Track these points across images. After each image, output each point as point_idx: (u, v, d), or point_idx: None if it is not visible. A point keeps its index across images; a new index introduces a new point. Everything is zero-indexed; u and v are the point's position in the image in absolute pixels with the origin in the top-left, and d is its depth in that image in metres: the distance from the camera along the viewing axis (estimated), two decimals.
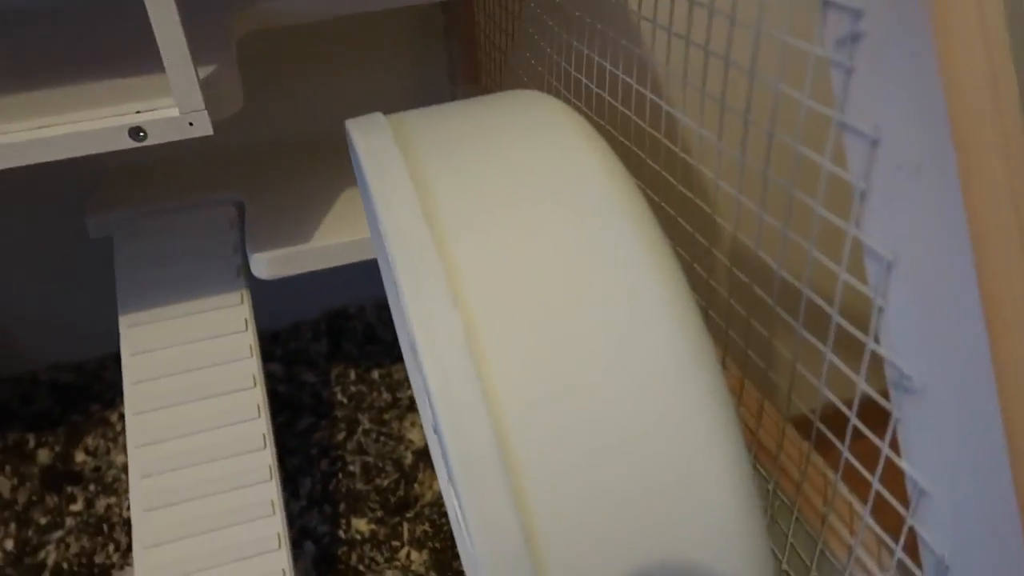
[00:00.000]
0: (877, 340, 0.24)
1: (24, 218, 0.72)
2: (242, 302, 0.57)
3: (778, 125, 0.27)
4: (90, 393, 0.77)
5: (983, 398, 0.20)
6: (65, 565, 0.60)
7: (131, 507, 0.51)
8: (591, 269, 0.25)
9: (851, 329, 0.25)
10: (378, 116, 0.31)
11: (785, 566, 0.31)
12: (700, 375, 0.24)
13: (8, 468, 0.69)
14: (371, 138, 0.29)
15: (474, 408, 0.23)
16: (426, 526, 0.63)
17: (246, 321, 0.57)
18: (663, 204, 0.35)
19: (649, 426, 0.24)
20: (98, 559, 0.60)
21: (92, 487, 0.67)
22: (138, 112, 0.41)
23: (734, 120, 0.29)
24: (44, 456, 0.70)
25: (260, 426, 0.53)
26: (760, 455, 0.33)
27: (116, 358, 0.77)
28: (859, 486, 0.29)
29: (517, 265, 0.25)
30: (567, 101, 0.45)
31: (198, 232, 0.60)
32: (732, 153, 0.29)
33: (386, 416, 0.73)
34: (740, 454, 0.25)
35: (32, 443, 0.71)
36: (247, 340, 0.56)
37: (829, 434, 0.28)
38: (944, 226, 0.20)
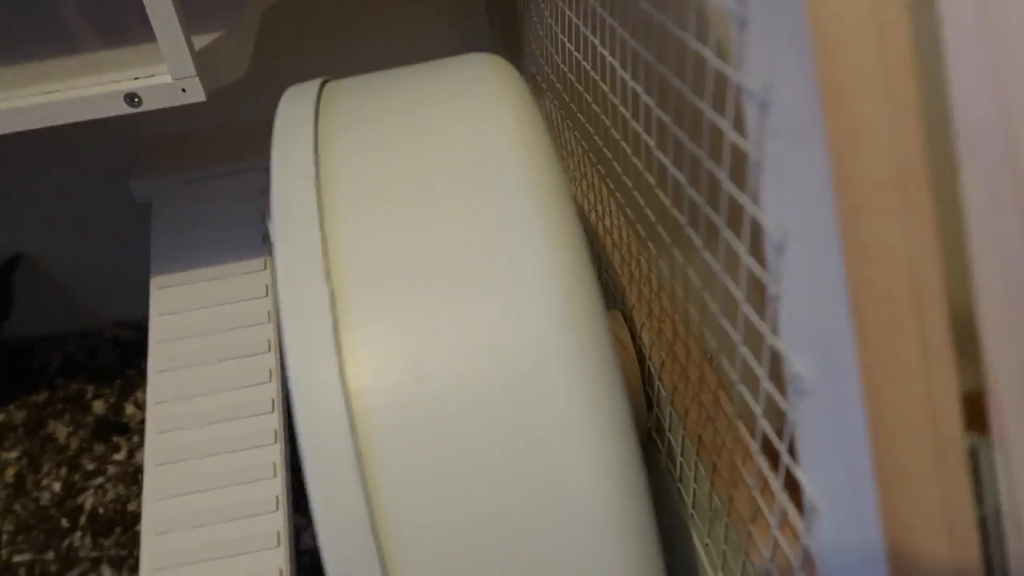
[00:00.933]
0: (776, 332, 0.21)
1: (91, 185, 0.76)
2: (264, 268, 0.58)
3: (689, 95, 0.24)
4: (146, 350, 0.80)
5: (851, 403, 0.18)
6: (101, 510, 0.63)
7: (144, 460, 0.53)
8: (475, 253, 0.24)
9: (753, 318, 0.23)
10: (314, 83, 0.31)
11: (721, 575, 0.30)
12: (577, 364, 0.23)
13: (67, 416, 0.73)
14: (293, 104, 0.29)
15: (332, 394, 0.22)
16: None
17: (266, 287, 0.58)
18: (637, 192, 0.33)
19: (511, 413, 0.22)
20: (131, 507, 0.63)
21: (136, 439, 0.70)
22: (136, 79, 0.42)
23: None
24: (99, 407, 0.74)
25: (270, 391, 0.55)
26: (703, 452, 0.31)
27: None
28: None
29: (400, 248, 0.24)
30: (558, 68, 0.43)
31: (229, 199, 0.62)
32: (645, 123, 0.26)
33: None
34: (617, 443, 0.23)
35: (90, 394, 0.75)
36: (266, 306, 0.57)
37: (773, 435, 0.26)
38: (821, 203, 0.18)
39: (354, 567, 0.22)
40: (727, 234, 0.23)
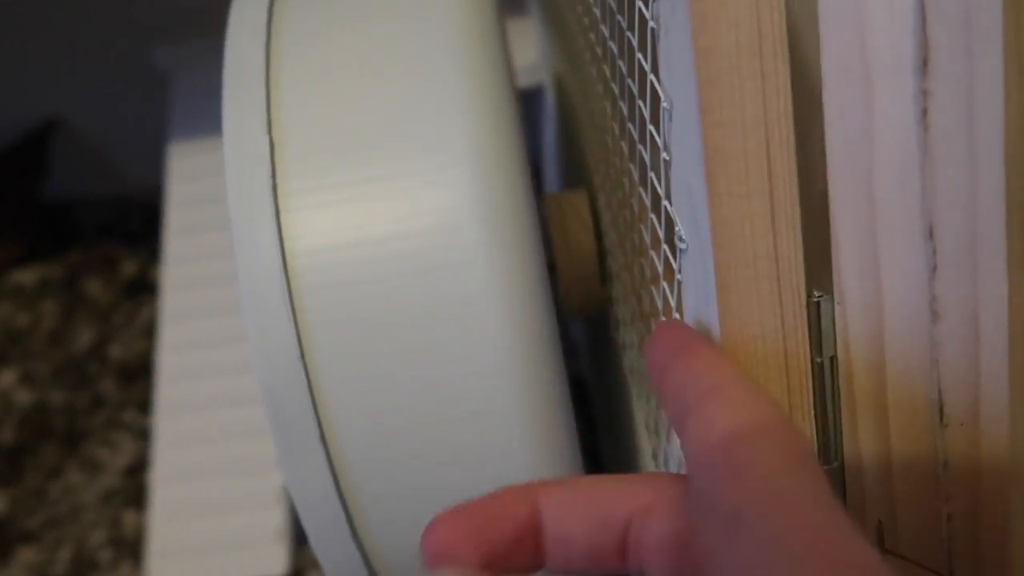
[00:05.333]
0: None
1: (127, 52, 0.78)
2: None
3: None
4: None
5: (706, 259, 0.20)
6: (126, 360, 0.69)
7: (159, 317, 0.57)
8: (406, 124, 0.26)
9: (657, 185, 0.24)
10: None
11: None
12: (490, 225, 0.25)
13: (100, 275, 0.78)
14: None
15: (267, 239, 0.25)
16: None
17: None
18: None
19: (427, 260, 0.25)
20: (151, 360, 0.68)
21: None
22: None
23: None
24: (129, 268, 0.79)
25: None
26: (636, 319, 0.33)
27: None
28: None
29: (339, 113, 0.26)
30: None
31: None
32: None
33: None
34: (524, 297, 0.25)
35: (121, 256, 0.80)
36: None
37: None
38: (688, 70, 0.19)
39: (283, 385, 0.25)
40: (639, 103, 0.25)
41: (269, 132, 0.25)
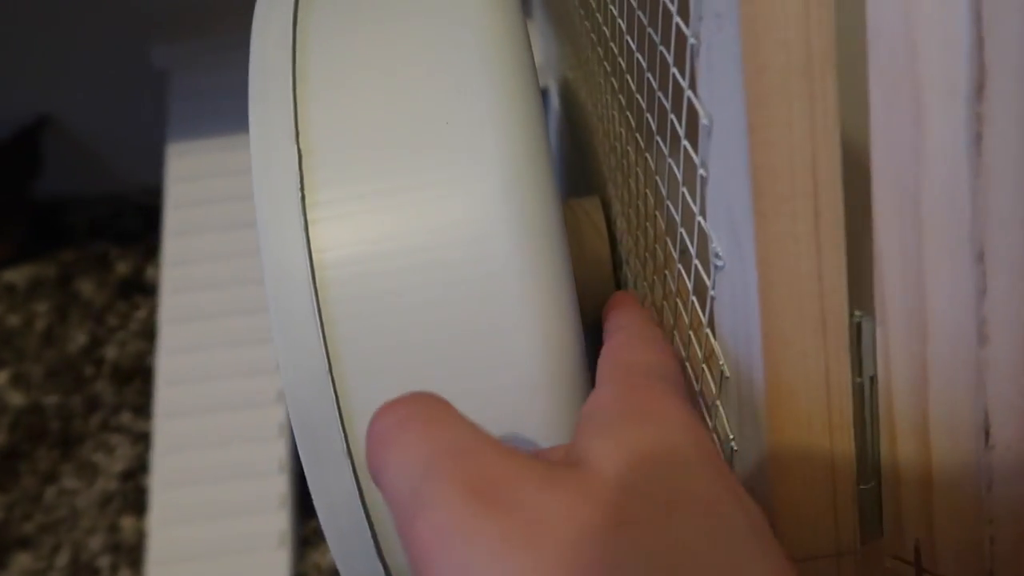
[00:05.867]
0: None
1: (123, 49, 0.77)
2: None
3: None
4: None
5: (749, 277, 0.20)
6: (121, 362, 0.68)
7: (159, 317, 0.56)
8: (436, 130, 0.26)
9: (688, 200, 0.24)
10: None
11: None
12: (519, 234, 0.25)
13: (94, 274, 0.77)
14: None
15: (296, 249, 0.24)
16: None
17: None
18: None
19: (456, 271, 0.25)
20: (147, 362, 0.67)
21: (156, 299, 0.74)
22: None
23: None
24: (123, 268, 0.78)
25: None
26: None
27: None
28: None
29: (367, 119, 0.26)
30: None
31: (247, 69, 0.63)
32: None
33: None
34: (553, 306, 0.25)
35: (114, 255, 0.79)
36: None
37: None
38: (735, 87, 0.19)
39: (311, 398, 0.25)
40: (671, 117, 0.25)
41: (297, 141, 0.25)
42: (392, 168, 0.25)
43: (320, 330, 0.24)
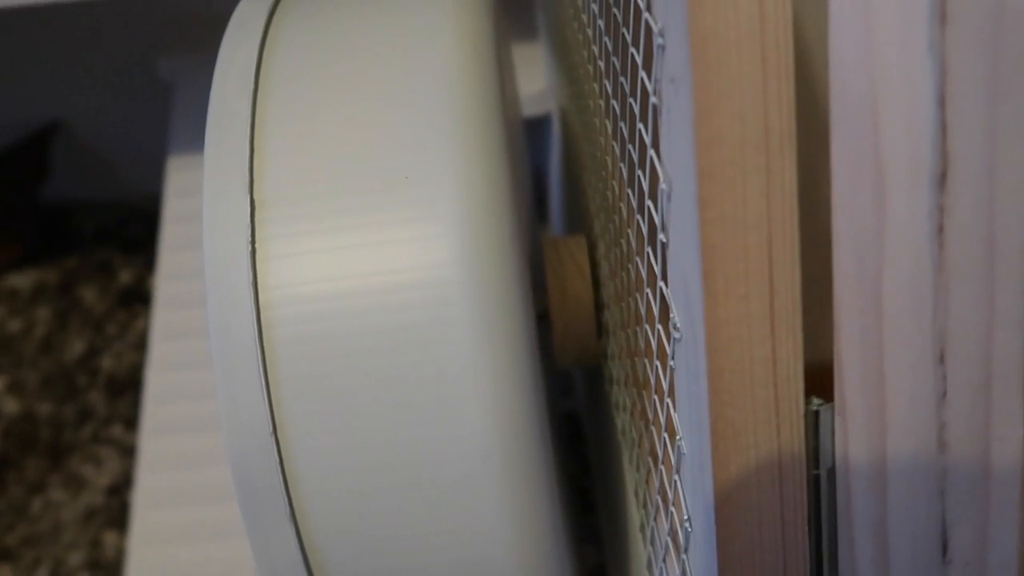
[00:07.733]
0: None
1: (132, 59, 0.77)
2: None
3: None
4: None
5: (700, 358, 0.19)
6: (116, 373, 0.68)
7: (151, 327, 0.56)
8: (392, 183, 0.25)
9: (652, 261, 0.23)
10: None
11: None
12: (476, 295, 0.24)
13: (96, 282, 0.77)
14: (253, 4, 0.29)
15: (242, 299, 0.24)
16: None
17: None
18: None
19: (408, 335, 0.24)
20: (141, 375, 0.67)
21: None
22: None
23: None
24: (126, 276, 0.78)
25: None
26: (627, 382, 0.32)
27: None
28: None
29: (323, 168, 0.25)
30: None
31: None
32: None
33: None
34: (507, 376, 0.24)
35: (118, 263, 0.79)
36: None
37: None
38: (688, 157, 0.18)
39: (254, 459, 0.24)
40: (638, 173, 0.23)
41: (251, 192, 0.24)
42: (347, 224, 0.24)
43: (265, 388, 0.23)
